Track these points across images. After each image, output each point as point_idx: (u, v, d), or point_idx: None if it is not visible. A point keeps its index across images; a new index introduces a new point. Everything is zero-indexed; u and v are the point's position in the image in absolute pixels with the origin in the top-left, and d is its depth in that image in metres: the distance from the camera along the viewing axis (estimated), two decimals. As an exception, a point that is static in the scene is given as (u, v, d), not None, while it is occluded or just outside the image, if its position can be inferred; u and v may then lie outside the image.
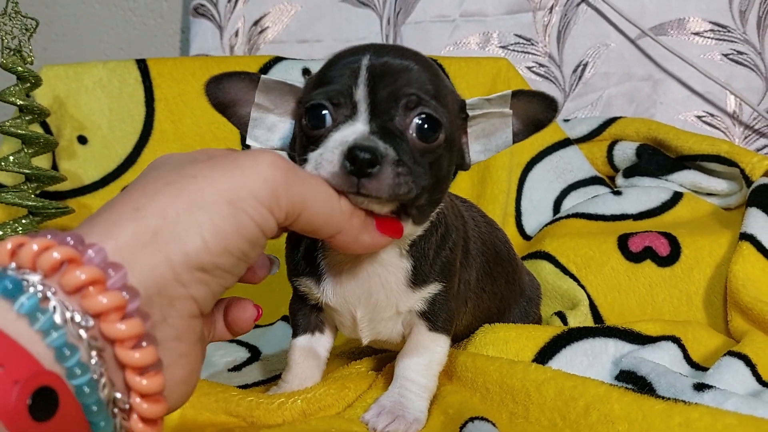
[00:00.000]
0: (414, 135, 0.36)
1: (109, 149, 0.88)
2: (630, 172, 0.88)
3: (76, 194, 0.87)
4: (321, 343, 0.48)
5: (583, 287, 0.70)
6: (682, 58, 0.97)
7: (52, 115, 0.83)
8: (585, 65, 1.02)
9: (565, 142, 0.91)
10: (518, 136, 0.41)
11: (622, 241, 0.72)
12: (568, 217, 0.82)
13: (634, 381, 0.47)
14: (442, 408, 0.44)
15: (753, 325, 0.60)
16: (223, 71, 0.39)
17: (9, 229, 0.74)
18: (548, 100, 0.40)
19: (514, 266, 0.58)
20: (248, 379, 0.54)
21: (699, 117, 1.01)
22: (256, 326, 0.48)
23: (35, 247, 0.24)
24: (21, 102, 0.73)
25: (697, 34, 0.99)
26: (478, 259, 0.51)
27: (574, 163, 0.90)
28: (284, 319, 0.70)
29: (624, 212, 0.80)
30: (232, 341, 0.65)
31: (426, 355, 0.44)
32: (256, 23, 1.06)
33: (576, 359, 0.51)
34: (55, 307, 0.23)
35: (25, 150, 0.74)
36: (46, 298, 0.23)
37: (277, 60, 0.92)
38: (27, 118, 0.74)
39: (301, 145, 0.37)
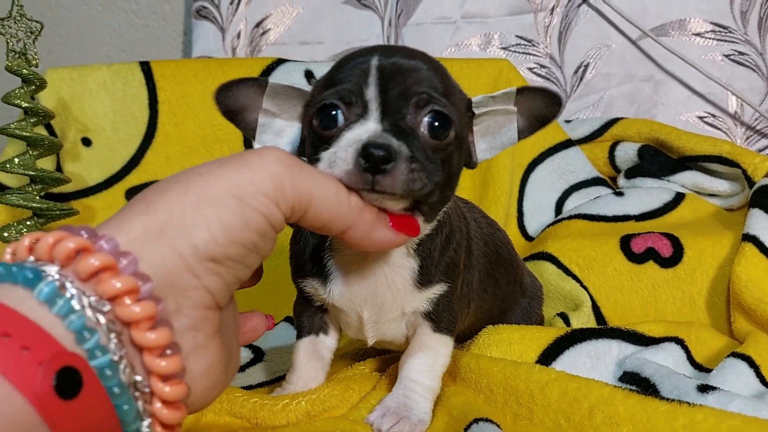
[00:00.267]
0: (425, 132, 0.36)
1: (112, 151, 0.89)
2: (632, 173, 0.88)
3: (80, 196, 0.87)
4: (325, 344, 0.48)
5: (585, 288, 0.70)
6: (684, 59, 0.97)
7: (57, 118, 0.84)
8: (586, 66, 1.02)
9: (567, 143, 0.91)
10: (523, 133, 0.41)
11: (625, 242, 0.72)
12: (570, 218, 0.82)
13: (637, 382, 0.47)
14: (446, 409, 0.44)
15: (756, 326, 0.60)
16: (225, 73, 0.39)
17: (14, 231, 0.74)
18: (552, 95, 0.40)
19: (515, 267, 0.59)
20: (252, 380, 0.55)
21: (700, 118, 1.01)
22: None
23: (51, 239, 0.25)
24: (26, 104, 0.73)
25: (698, 34, 0.99)
26: (481, 260, 0.51)
27: (576, 164, 0.90)
28: (287, 320, 0.71)
29: (626, 213, 0.80)
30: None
31: (430, 356, 0.44)
32: (257, 25, 1.06)
33: (579, 360, 0.51)
34: (72, 294, 0.24)
35: (30, 152, 0.75)
36: (63, 286, 0.24)
37: (280, 62, 0.93)
38: (32, 120, 0.75)
39: (312, 146, 0.37)
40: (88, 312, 0.24)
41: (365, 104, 0.36)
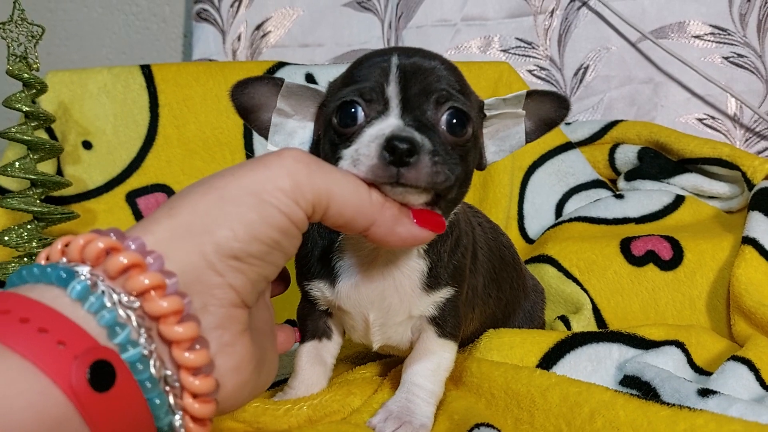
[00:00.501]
0: (444, 129, 0.36)
1: (113, 154, 0.89)
2: (632, 176, 0.88)
3: (80, 199, 0.87)
4: (328, 349, 0.48)
5: (585, 291, 0.70)
6: (683, 61, 0.97)
7: (57, 121, 0.83)
8: (586, 68, 1.02)
9: (567, 146, 0.92)
10: (530, 136, 0.42)
11: (625, 245, 0.72)
12: (570, 220, 0.82)
13: (638, 386, 0.47)
14: (447, 414, 0.44)
15: (756, 330, 0.61)
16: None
17: (14, 235, 0.74)
18: (560, 98, 0.41)
19: (518, 271, 0.59)
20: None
21: (700, 120, 1.01)
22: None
23: (81, 241, 0.26)
24: (27, 108, 0.73)
25: (697, 37, 1.00)
26: (485, 265, 0.51)
27: (576, 167, 0.90)
28: (288, 323, 0.71)
29: (626, 216, 0.80)
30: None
31: (434, 361, 0.45)
32: (258, 27, 1.06)
33: (580, 364, 0.51)
34: (103, 291, 0.25)
35: (31, 156, 0.75)
36: (95, 284, 0.25)
37: (281, 65, 0.93)
38: (32, 124, 0.75)
39: (331, 144, 0.37)
40: (119, 308, 0.25)
41: (386, 101, 0.36)
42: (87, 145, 0.89)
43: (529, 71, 1.03)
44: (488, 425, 0.40)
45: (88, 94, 0.89)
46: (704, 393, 0.42)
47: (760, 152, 1.00)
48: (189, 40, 1.12)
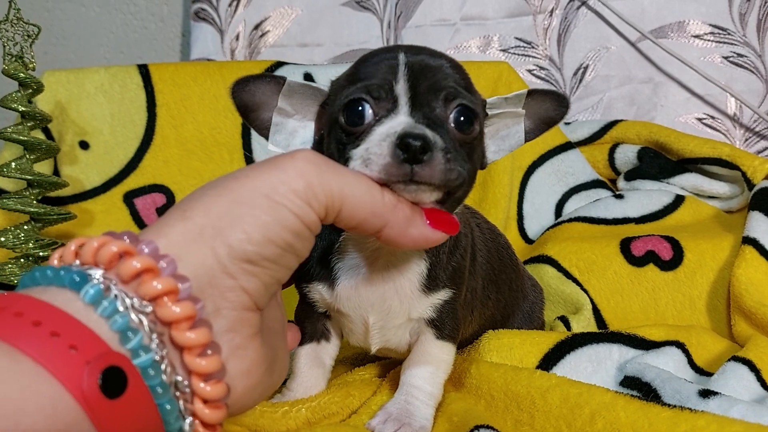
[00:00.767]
0: (453, 126, 0.36)
1: (110, 154, 0.88)
2: (631, 175, 0.88)
3: (77, 200, 0.87)
4: (326, 351, 0.48)
5: (585, 291, 0.70)
6: (683, 61, 0.97)
7: (54, 121, 0.83)
8: (585, 68, 1.02)
9: (567, 146, 0.91)
10: (529, 135, 0.42)
11: (625, 245, 0.72)
12: (570, 220, 0.82)
13: (638, 387, 0.47)
14: (446, 415, 0.44)
15: (757, 330, 0.60)
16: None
17: (11, 235, 0.74)
18: (560, 97, 0.41)
19: (516, 272, 0.59)
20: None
21: (699, 119, 1.01)
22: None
23: (95, 244, 0.26)
24: (23, 108, 0.73)
25: (697, 36, 0.99)
26: (484, 267, 0.51)
27: (576, 167, 0.90)
28: (287, 324, 0.70)
29: (626, 216, 0.80)
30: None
31: (433, 363, 0.44)
32: (256, 27, 1.06)
33: (580, 365, 0.51)
34: (116, 295, 0.25)
35: (27, 156, 0.74)
36: (108, 288, 0.25)
37: (279, 65, 0.92)
38: (29, 124, 0.74)
39: (338, 143, 0.37)
40: (131, 313, 0.25)
41: (395, 99, 0.35)
42: (84, 145, 0.89)
43: (529, 71, 1.03)
44: (488, 427, 0.39)
45: (85, 93, 0.88)
46: (705, 394, 0.42)
47: (759, 152, 1.00)
48: (187, 40, 1.12)
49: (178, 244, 0.27)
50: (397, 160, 0.32)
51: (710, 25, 0.99)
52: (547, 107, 0.41)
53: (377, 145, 0.33)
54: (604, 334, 0.54)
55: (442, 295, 0.44)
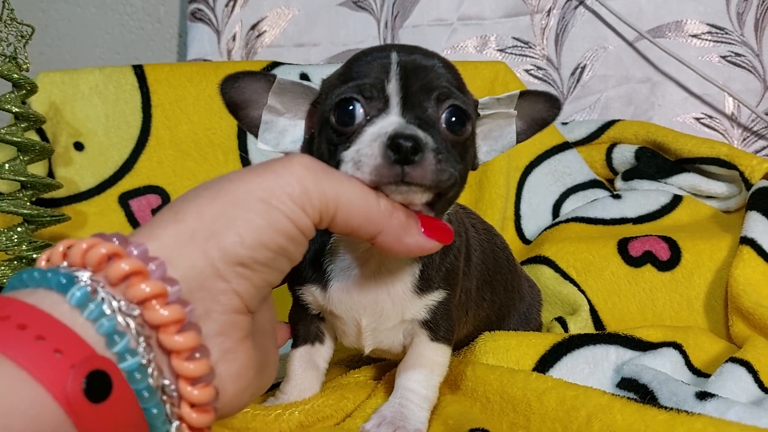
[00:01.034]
0: (444, 127, 0.36)
1: (105, 156, 0.88)
2: (629, 175, 0.88)
3: (72, 201, 0.86)
4: (320, 353, 0.48)
5: (583, 292, 0.70)
6: (680, 61, 0.97)
7: (48, 122, 0.83)
8: (583, 68, 1.02)
9: (564, 146, 0.91)
10: (521, 136, 0.42)
11: (622, 246, 0.72)
12: (567, 221, 0.82)
13: (635, 389, 0.47)
14: (442, 418, 0.44)
15: (754, 331, 0.60)
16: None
17: (4, 237, 0.73)
18: (551, 98, 0.41)
19: (513, 273, 0.58)
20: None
21: (697, 119, 1.01)
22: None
23: (84, 245, 0.26)
24: (17, 109, 0.72)
25: (694, 36, 0.99)
26: (479, 268, 0.51)
27: (573, 167, 0.90)
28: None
29: (623, 216, 0.80)
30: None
31: (427, 366, 0.44)
32: (253, 27, 1.05)
33: (577, 367, 0.50)
34: (103, 298, 0.25)
35: (21, 157, 0.74)
36: (95, 291, 0.25)
37: (275, 65, 0.92)
38: (23, 125, 0.74)
39: (328, 143, 0.36)
40: (118, 316, 0.24)
41: (386, 98, 0.35)
42: (78, 146, 0.88)
43: (526, 71, 1.03)
44: (483, 430, 0.39)
45: (80, 94, 0.88)
46: (702, 396, 0.42)
47: (757, 151, 1.00)
48: (184, 40, 1.12)
49: (169, 246, 0.27)
50: (388, 161, 0.32)
51: (708, 24, 0.99)
52: (540, 108, 0.41)
53: (368, 146, 0.33)
54: (601, 336, 0.53)
55: (436, 297, 0.43)
